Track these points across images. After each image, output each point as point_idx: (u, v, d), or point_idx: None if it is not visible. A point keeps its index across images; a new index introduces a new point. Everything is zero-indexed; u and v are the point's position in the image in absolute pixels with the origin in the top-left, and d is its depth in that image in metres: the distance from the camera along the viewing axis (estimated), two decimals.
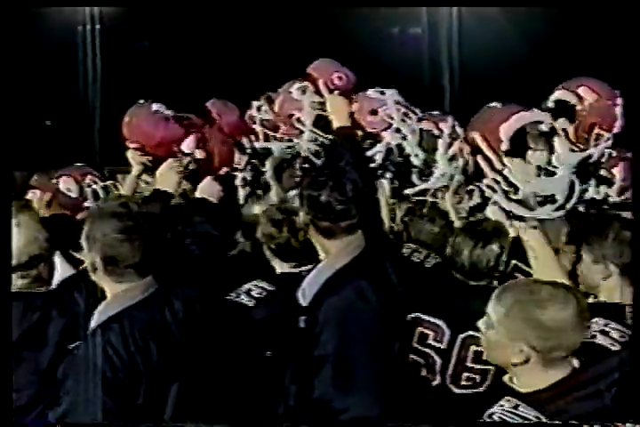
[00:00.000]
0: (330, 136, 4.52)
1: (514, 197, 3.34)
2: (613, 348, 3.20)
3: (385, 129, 4.61)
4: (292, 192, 4.96)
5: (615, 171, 4.96)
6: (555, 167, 3.40)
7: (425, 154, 4.75)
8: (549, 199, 3.36)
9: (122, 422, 3.36)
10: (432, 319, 3.91)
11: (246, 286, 4.11)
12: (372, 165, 4.56)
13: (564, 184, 3.36)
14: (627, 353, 3.09)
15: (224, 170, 4.46)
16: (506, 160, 3.34)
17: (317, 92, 4.70)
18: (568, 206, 3.38)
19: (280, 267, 4.26)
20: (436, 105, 5.14)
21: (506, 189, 3.33)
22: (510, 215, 3.34)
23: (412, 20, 9.04)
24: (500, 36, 8.57)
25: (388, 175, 4.71)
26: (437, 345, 3.90)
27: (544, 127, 3.47)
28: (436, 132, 4.90)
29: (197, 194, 4.26)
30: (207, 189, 4.26)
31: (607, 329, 3.26)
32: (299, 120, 4.71)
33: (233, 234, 4.40)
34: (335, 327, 3.67)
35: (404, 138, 4.64)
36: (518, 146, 3.37)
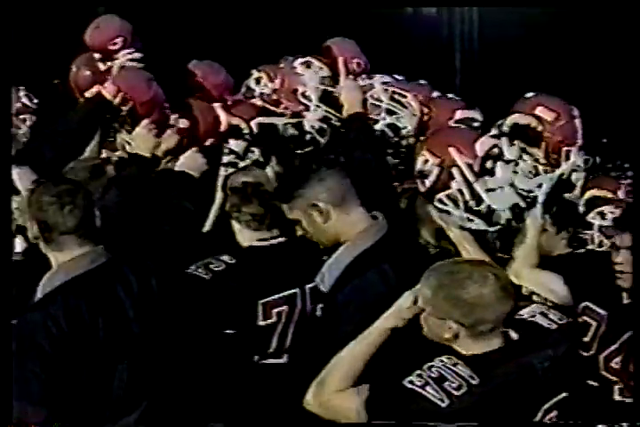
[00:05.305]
0: (338, 114, 4.39)
1: (475, 209, 3.65)
2: (551, 327, 3.48)
3: (378, 114, 4.46)
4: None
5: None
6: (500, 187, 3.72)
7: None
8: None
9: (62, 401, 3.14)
10: None
11: (206, 260, 3.80)
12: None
13: (511, 202, 3.70)
14: (562, 333, 3.44)
15: (209, 141, 4.19)
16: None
17: (328, 67, 4.55)
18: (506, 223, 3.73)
19: (248, 240, 3.93)
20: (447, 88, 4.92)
21: (468, 200, 3.65)
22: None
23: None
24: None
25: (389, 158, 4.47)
26: None
27: (496, 151, 3.73)
28: None
29: (178, 167, 4.02)
30: (190, 161, 4.01)
31: (546, 312, 3.56)
32: (304, 95, 4.52)
33: (209, 210, 4.12)
34: (355, 311, 3.49)
35: (399, 118, 4.47)
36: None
